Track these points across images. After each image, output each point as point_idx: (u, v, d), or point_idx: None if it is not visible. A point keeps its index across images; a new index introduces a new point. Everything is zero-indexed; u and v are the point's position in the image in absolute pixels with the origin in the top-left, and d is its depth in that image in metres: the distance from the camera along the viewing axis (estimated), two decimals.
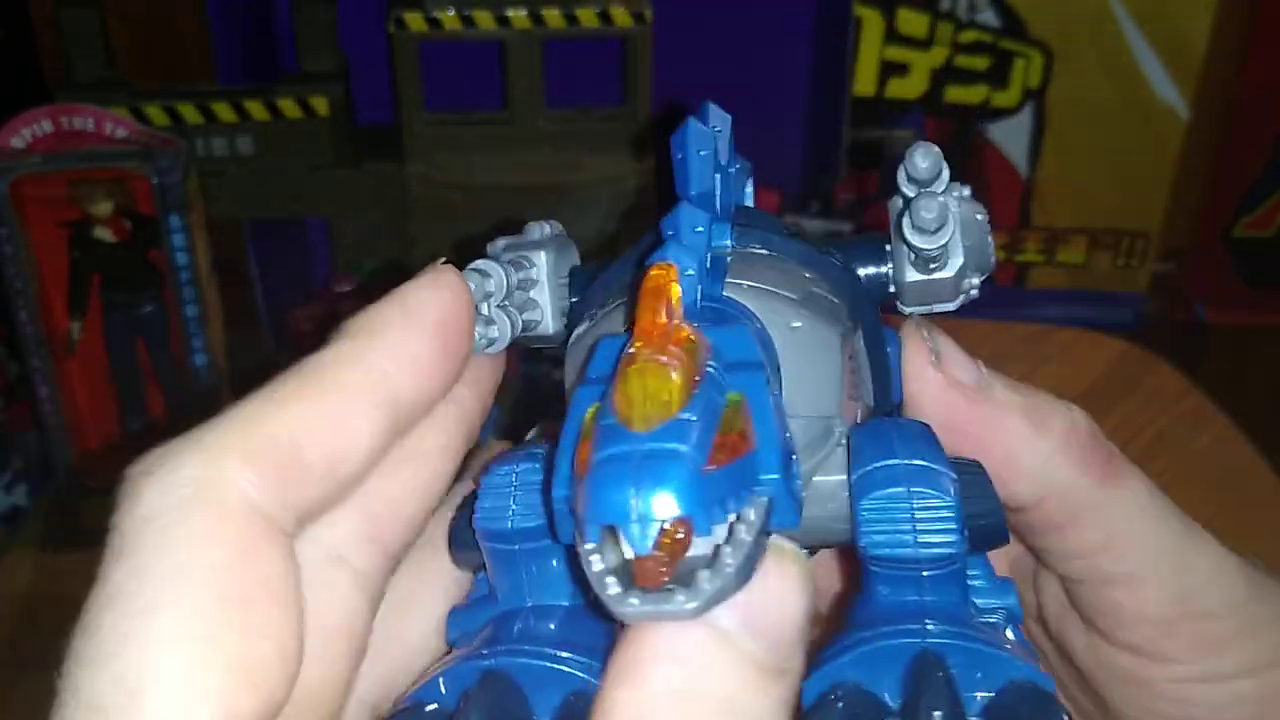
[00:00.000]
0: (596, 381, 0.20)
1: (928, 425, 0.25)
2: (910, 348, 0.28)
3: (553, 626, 0.23)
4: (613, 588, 0.18)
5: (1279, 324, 1.08)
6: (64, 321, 0.77)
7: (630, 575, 0.18)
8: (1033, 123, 0.97)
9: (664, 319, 0.20)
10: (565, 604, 0.24)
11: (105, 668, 0.18)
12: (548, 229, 0.29)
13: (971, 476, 0.24)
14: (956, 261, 0.27)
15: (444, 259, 0.24)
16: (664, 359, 0.19)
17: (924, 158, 0.26)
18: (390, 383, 0.22)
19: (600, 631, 0.23)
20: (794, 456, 0.20)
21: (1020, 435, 0.28)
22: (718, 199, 0.25)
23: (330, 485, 0.21)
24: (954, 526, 0.22)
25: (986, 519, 0.24)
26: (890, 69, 0.95)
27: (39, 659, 0.71)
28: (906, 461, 0.23)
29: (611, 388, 0.19)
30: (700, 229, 0.23)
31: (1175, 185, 0.99)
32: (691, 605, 0.18)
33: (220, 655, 0.18)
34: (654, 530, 0.18)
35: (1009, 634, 0.24)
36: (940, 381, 0.27)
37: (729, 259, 0.25)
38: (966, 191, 0.28)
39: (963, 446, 0.26)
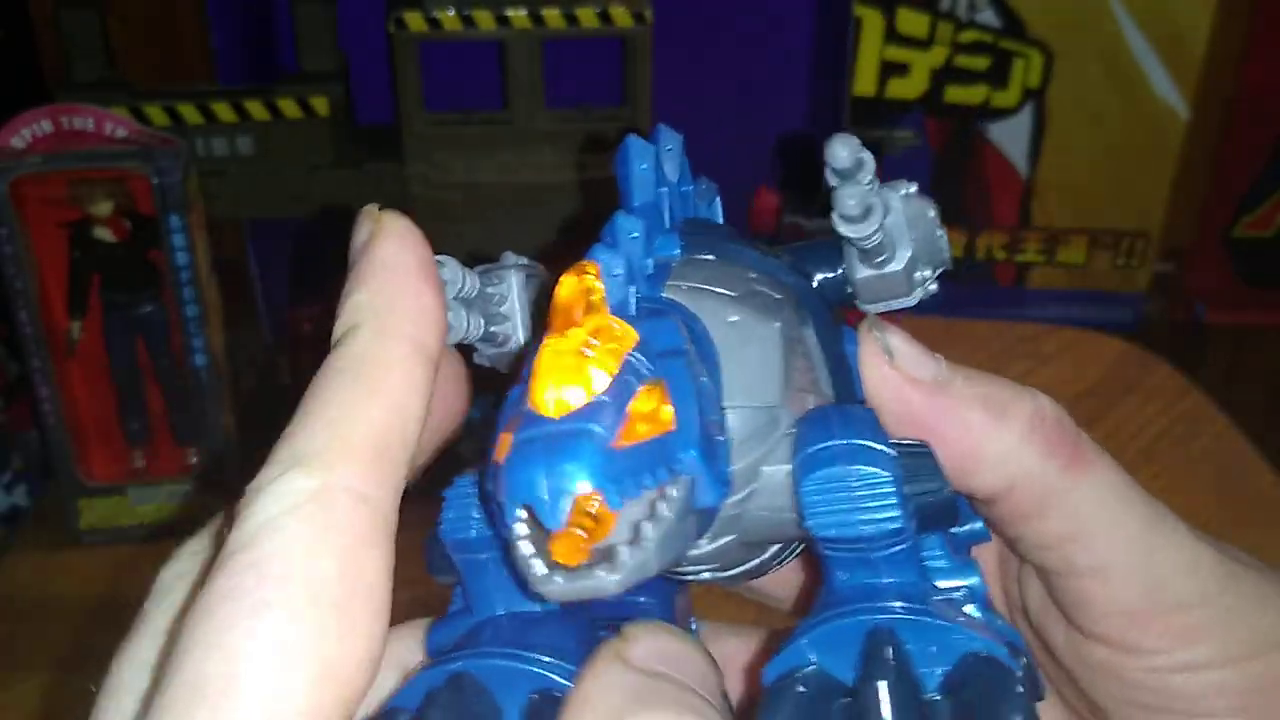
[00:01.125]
0: (525, 379, 0.21)
1: (870, 409, 0.25)
2: (864, 347, 0.27)
3: (523, 630, 0.24)
4: (538, 569, 0.19)
5: (1279, 324, 1.08)
6: (64, 321, 0.77)
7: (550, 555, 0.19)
8: (1033, 123, 0.97)
9: (578, 313, 0.21)
10: (539, 609, 0.24)
11: (210, 653, 0.20)
12: (523, 260, 0.29)
13: (915, 455, 0.24)
14: (904, 254, 0.27)
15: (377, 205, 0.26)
16: (576, 347, 0.20)
17: (842, 147, 0.26)
18: (420, 344, 0.23)
19: (571, 634, 0.24)
20: (720, 439, 0.22)
21: (981, 426, 0.27)
22: (665, 212, 0.26)
23: (409, 458, 0.23)
24: (894, 502, 0.23)
25: (933, 495, 0.24)
26: (890, 69, 0.95)
27: (39, 659, 0.72)
28: (844, 441, 0.23)
29: (528, 379, 0.20)
30: (635, 234, 0.24)
31: (1175, 185, 0.99)
32: (613, 579, 0.19)
33: (313, 656, 0.20)
34: (565, 505, 0.19)
35: (971, 610, 0.24)
36: (895, 379, 0.27)
37: (674, 264, 0.26)
38: (912, 188, 0.28)
39: (927, 439, 0.27)
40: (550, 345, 0.20)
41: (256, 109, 0.84)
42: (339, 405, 0.22)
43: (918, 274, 0.28)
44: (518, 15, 0.83)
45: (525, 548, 0.19)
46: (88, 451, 0.80)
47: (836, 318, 0.28)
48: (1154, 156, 0.97)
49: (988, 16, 0.93)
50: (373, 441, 0.22)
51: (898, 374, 0.27)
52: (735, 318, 0.24)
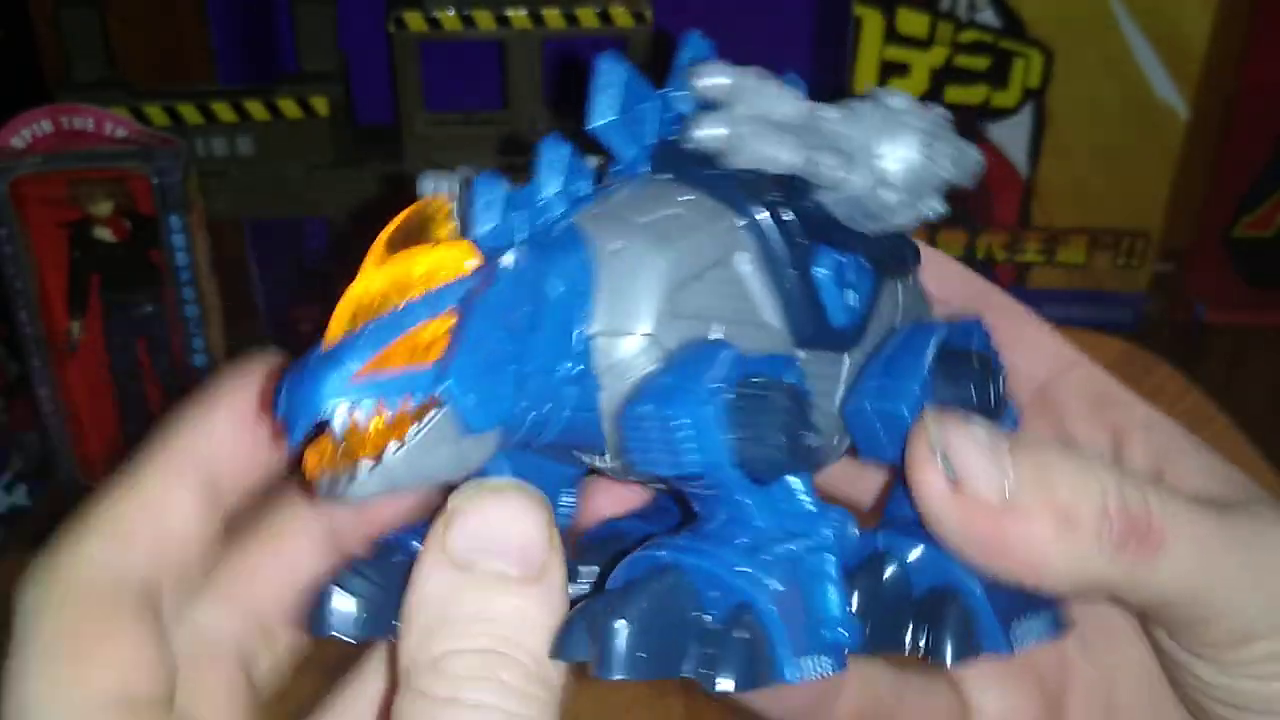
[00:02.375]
0: None
1: (727, 346, 0.24)
2: (915, 460, 0.26)
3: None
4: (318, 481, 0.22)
5: (1279, 324, 1.08)
6: (64, 321, 0.77)
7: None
8: (1033, 123, 0.97)
9: (386, 244, 0.23)
10: None
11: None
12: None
13: (753, 399, 0.24)
14: (860, 177, 0.26)
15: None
16: (364, 288, 0.23)
17: (703, 78, 0.26)
18: (209, 465, 0.27)
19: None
20: (509, 371, 0.23)
21: (1049, 542, 0.26)
22: (645, 126, 0.26)
23: (177, 554, 0.26)
24: (693, 445, 0.23)
25: (759, 445, 0.23)
26: (890, 69, 0.95)
27: None
28: (670, 380, 0.24)
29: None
30: (555, 161, 0.25)
31: (1175, 185, 0.99)
32: (352, 488, 0.22)
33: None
34: (303, 422, 0.21)
35: (814, 562, 0.24)
36: (959, 507, 0.26)
37: (612, 189, 0.26)
38: (893, 99, 0.26)
39: (991, 563, 0.26)
40: (349, 289, 0.23)
41: (256, 109, 0.84)
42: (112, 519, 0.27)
43: (892, 196, 0.26)
44: (518, 15, 0.83)
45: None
46: (88, 452, 0.80)
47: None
48: (1154, 156, 0.97)
49: (988, 16, 0.93)
50: (135, 532, 0.27)
51: (961, 499, 0.26)
52: (618, 245, 0.24)
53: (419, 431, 0.22)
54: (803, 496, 0.25)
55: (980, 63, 0.96)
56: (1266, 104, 0.98)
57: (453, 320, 0.22)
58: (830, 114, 0.26)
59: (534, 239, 0.24)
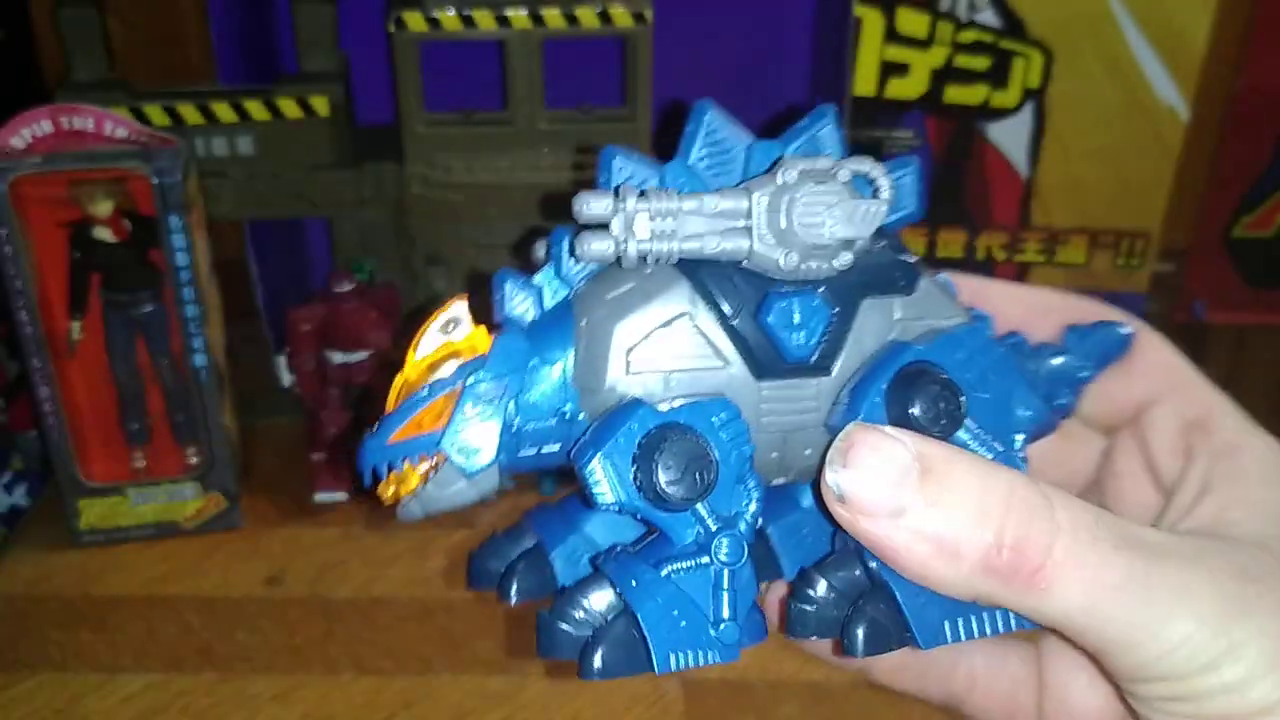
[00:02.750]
0: None
1: (642, 405, 0.30)
2: (822, 482, 0.29)
3: None
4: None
5: (1278, 324, 1.08)
6: (64, 321, 0.77)
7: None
8: (1033, 123, 0.97)
9: (422, 340, 0.31)
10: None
11: None
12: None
13: (652, 446, 0.30)
14: (759, 251, 0.30)
15: None
16: (404, 375, 0.32)
17: (587, 205, 0.30)
18: None
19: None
20: (493, 427, 0.30)
21: (931, 564, 0.28)
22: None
23: None
24: (607, 487, 0.30)
25: (655, 481, 0.30)
26: (890, 69, 0.95)
27: (39, 659, 0.72)
28: (586, 436, 0.31)
29: None
30: (558, 249, 0.32)
31: (1175, 185, 0.99)
32: (401, 513, 0.31)
33: None
34: (366, 474, 0.31)
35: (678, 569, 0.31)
36: (847, 517, 0.29)
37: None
38: (762, 193, 0.30)
39: (888, 564, 0.29)
40: (398, 374, 0.32)
41: (257, 109, 0.84)
42: None
43: (794, 259, 0.30)
44: (517, 15, 0.83)
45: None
46: (88, 452, 0.80)
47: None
48: (1154, 156, 0.97)
49: (988, 16, 0.93)
50: None
51: (845, 512, 0.29)
52: (587, 320, 0.31)
53: (433, 477, 0.31)
54: (709, 519, 0.30)
55: (980, 63, 0.96)
56: (1266, 104, 0.98)
57: (457, 394, 0.30)
58: (722, 200, 0.30)
59: (539, 317, 0.32)
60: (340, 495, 0.83)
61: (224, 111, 0.84)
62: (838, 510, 0.29)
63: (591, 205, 0.30)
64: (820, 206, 0.30)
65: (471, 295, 0.32)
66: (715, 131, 0.32)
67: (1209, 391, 0.35)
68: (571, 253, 0.31)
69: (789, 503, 0.35)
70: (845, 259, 0.31)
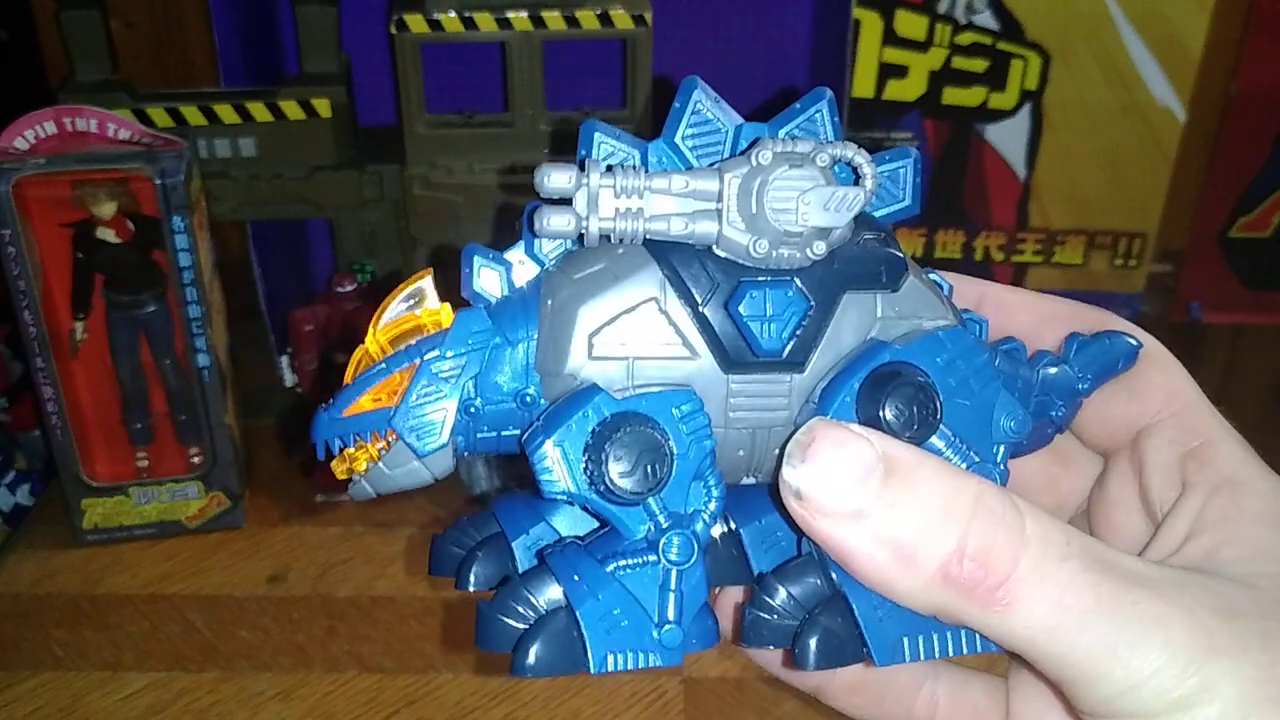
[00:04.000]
0: None
1: (599, 391, 0.29)
2: (783, 464, 0.28)
3: None
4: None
5: (1275, 324, 1.08)
6: (68, 322, 0.78)
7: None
8: (1030, 124, 0.97)
9: (384, 314, 0.30)
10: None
11: None
12: None
13: (604, 435, 0.28)
14: (708, 231, 0.29)
15: None
16: (363, 350, 0.30)
17: (548, 177, 0.29)
18: None
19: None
20: (447, 406, 0.29)
21: (888, 570, 0.27)
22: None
23: None
24: (549, 477, 0.29)
25: (607, 473, 0.28)
26: (889, 71, 0.96)
27: (41, 657, 0.73)
28: (538, 422, 0.30)
29: None
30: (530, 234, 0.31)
31: (1172, 187, 0.99)
32: (351, 491, 0.30)
33: None
34: (320, 449, 0.30)
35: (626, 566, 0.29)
36: (803, 517, 0.27)
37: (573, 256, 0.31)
38: (733, 175, 0.29)
39: (846, 568, 0.28)
40: (356, 349, 0.31)
41: (259, 110, 0.85)
42: None
43: (764, 245, 0.29)
44: (518, 17, 0.83)
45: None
46: (91, 451, 0.80)
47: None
48: (1151, 158, 0.98)
49: (986, 19, 0.94)
50: None
51: (801, 510, 0.27)
52: (552, 300, 0.30)
53: (384, 456, 0.30)
54: (660, 515, 0.29)
55: (978, 65, 0.96)
56: (1262, 106, 0.99)
57: (414, 370, 0.30)
58: (692, 180, 0.29)
59: (504, 297, 0.31)
60: (342, 495, 0.84)
61: (226, 113, 0.84)
62: (794, 508, 0.27)
63: (553, 178, 0.28)
64: (793, 191, 0.28)
65: (439, 270, 0.31)
66: (702, 110, 0.30)
67: (1213, 420, 0.33)
68: (529, 228, 0.30)
69: (764, 505, 0.33)
70: (820, 249, 0.29)
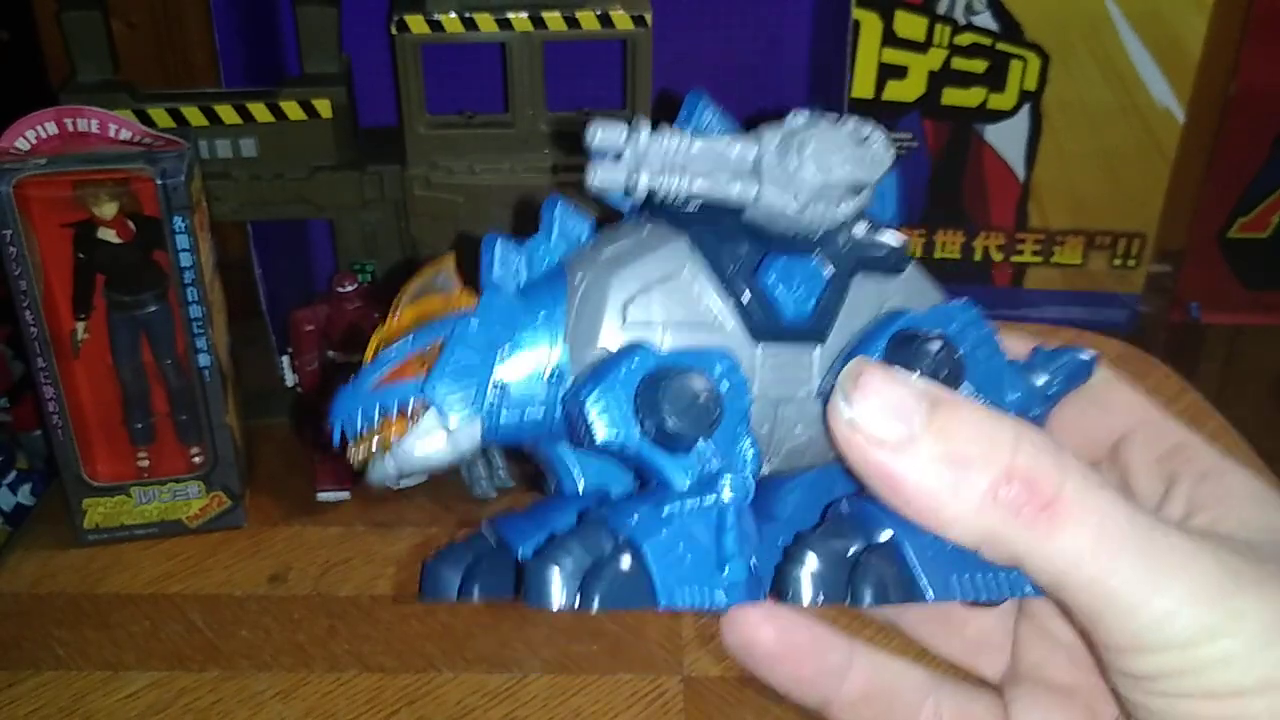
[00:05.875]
0: None
1: (643, 348, 0.29)
2: (830, 412, 0.29)
3: None
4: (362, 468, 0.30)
5: (1274, 324, 1.08)
6: (69, 322, 0.78)
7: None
8: (1029, 125, 0.98)
9: (406, 296, 0.31)
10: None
11: None
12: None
13: (654, 384, 0.29)
14: (750, 190, 0.30)
15: None
16: (385, 330, 0.30)
17: (595, 133, 0.29)
18: None
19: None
20: (477, 379, 0.29)
21: (937, 493, 0.28)
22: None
23: None
24: (607, 423, 0.29)
25: (658, 420, 0.29)
26: (888, 71, 0.96)
27: (42, 658, 0.73)
28: (588, 374, 0.30)
29: None
30: (560, 219, 0.32)
31: (1171, 187, 0.99)
32: (373, 473, 0.30)
33: None
34: (337, 426, 0.30)
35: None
36: (857, 444, 0.28)
37: (603, 233, 0.32)
38: (786, 127, 0.30)
39: (893, 503, 0.29)
40: (379, 327, 0.31)
41: (260, 111, 0.85)
42: None
43: (794, 205, 0.30)
44: (519, 18, 0.84)
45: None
46: (92, 451, 0.81)
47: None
48: (1150, 158, 0.98)
49: (985, 19, 0.94)
50: None
51: (858, 439, 0.28)
52: (581, 276, 0.31)
53: (414, 426, 0.29)
54: (712, 460, 0.30)
55: (978, 65, 0.96)
56: (1261, 106, 0.99)
57: (441, 344, 0.29)
58: (732, 143, 0.30)
59: (529, 280, 0.31)
60: (343, 494, 0.84)
61: (227, 113, 0.85)
62: (848, 439, 0.28)
63: (605, 133, 0.29)
64: (831, 144, 0.29)
65: (461, 258, 0.32)
66: (706, 122, 0.32)
67: (1182, 425, 0.35)
68: (548, 220, 0.31)
69: (764, 515, 0.34)
70: (848, 207, 0.30)
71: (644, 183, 0.29)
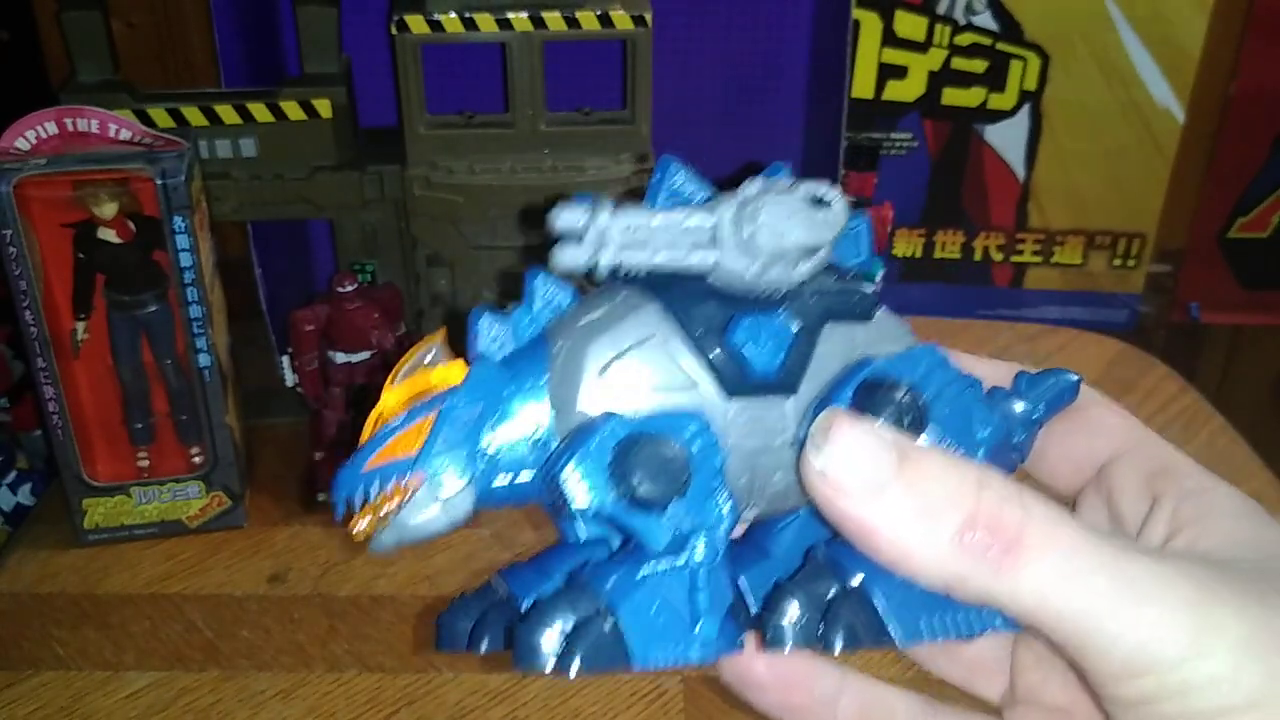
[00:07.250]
0: None
1: (616, 417, 0.31)
2: (801, 459, 0.30)
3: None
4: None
5: (1273, 324, 1.08)
6: (69, 322, 0.78)
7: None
8: (1029, 125, 0.98)
9: (399, 374, 0.32)
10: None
11: None
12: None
13: (626, 451, 0.30)
14: (708, 257, 0.32)
15: None
16: (381, 405, 0.32)
17: (561, 216, 0.31)
18: None
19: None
20: (466, 451, 0.31)
21: (908, 544, 0.29)
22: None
23: None
24: (581, 490, 0.30)
25: (629, 485, 0.30)
26: (888, 71, 0.96)
27: (42, 657, 0.73)
28: (561, 449, 0.31)
29: None
30: (540, 289, 0.33)
31: (1171, 187, 0.99)
32: (373, 544, 0.31)
33: None
34: (339, 505, 0.31)
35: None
36: (824, 492, 0.29)
37: (581, 300, 0.33)
38: (730, 204, 0.31)
39: (864, 548, 0.29)
40: (375, 406, 0.32)
41: (260, 111, 0.85)
42: None
43: (754, 268, 0.31)
44: (519, 18, 0.84)
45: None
46: (92, 451, 0.81)
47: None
48: (1150, 159, 0.98)
49: (985, 19, 0.94)
50: None
51: (829, 489, 0.29)
52: (561, 344, 0.32)
53: (409, 499, 0.31)
54: (683, 521, 0.31)
55: (978, 65, 0.96)
56: (1261, 107, 0.99)
57: (432, 420, 0.31)
58: (691, 214, 0.31)
59: (515, 350, 0.33)
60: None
61: (227, 113, 0.85)
62: (819, 488, 0.29)
63: (567, 214, 0.31)
64: (783, 213, 0.31)
65: (450, 334, 0.33)
66: (677, 184, 0.33)
67: (1168, 446, 0.36)
68: (531, 290, 0.33)
69: (758, 551, 0.36)
70: (805, 269, 0.32)
71: (607, 261, 0.31)
